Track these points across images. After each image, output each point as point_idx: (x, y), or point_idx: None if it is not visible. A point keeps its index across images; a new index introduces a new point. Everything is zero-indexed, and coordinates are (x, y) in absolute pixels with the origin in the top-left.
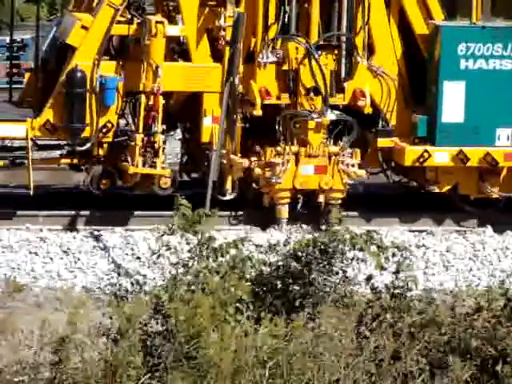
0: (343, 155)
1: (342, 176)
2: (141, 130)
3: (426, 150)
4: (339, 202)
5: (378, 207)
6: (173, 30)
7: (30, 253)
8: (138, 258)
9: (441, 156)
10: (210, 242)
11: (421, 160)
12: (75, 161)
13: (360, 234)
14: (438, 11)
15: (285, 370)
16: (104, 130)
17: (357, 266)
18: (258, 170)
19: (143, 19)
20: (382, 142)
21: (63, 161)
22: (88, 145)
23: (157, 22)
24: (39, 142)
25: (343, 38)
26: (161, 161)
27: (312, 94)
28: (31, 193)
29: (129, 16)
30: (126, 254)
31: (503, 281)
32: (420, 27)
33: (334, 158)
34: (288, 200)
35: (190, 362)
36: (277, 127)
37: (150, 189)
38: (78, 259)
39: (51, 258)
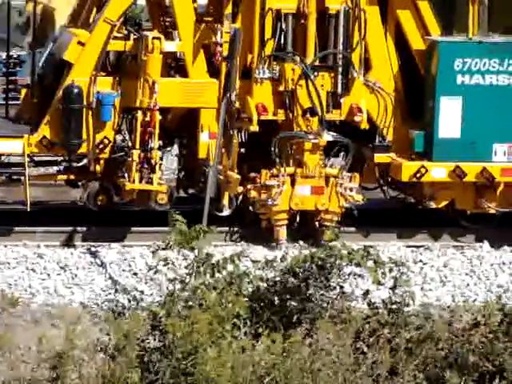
0: (342, 178)
1: (339, 198)
2: (138, 146)
3: (422, 166)
4: (333, 224)
5: (375, 223)
6: (169, 46)
7: (28, 269)
8: (136, 273)
9: (438, 171)
10: (207, 258)
11: (418, 175)
12: (72, 177)
13: (357, 249)
14: (435, 26)
15: None
16: (101, 146)
17: (354, 281)
18: (253, 193)
19: (140, 35)
20: (379, 158)
21: (60, 177)
22: (85, 161)
23: (153, 38)
24: (36, 158)
25: (339, 55)
26: (157, 177)
27: (308, 115)
28: (28, 209)
29: (125, 32)
30: (124, 270)
31: (500, 296)
32: (417, 42)
33: (332, 180)
34: (285, 221)
35: (187, 378)
36: (272, 149)
37: (147, 205)
38: (76, 275)
39: (48, 275)
